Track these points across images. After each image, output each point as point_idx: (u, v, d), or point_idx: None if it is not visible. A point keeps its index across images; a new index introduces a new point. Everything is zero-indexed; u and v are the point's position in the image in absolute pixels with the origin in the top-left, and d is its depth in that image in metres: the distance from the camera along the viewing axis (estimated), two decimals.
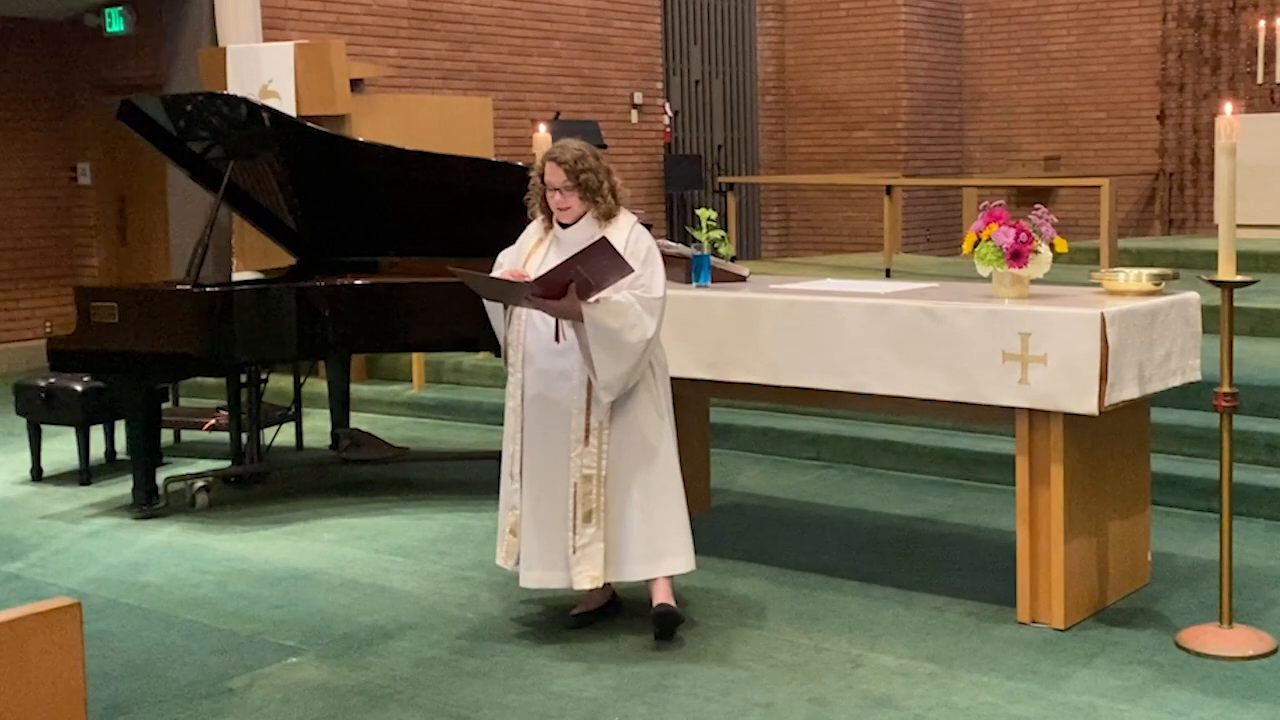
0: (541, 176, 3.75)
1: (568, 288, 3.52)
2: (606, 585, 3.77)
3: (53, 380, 5.85)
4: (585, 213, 3.73)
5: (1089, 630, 3.76)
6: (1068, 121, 11.74)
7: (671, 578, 3.79)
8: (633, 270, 3.57)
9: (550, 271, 3.55)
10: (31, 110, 9.32)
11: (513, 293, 3.65)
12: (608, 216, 3.72)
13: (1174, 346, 3.88)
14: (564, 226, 3.77)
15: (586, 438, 3.65)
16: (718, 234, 4.38)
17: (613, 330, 3.56)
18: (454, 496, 5.45)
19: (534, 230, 3.87)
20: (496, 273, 3.80)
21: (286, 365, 6.08)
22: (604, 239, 3.54)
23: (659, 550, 3.72)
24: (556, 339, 3.69)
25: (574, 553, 3.67)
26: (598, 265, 3.50)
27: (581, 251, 3.52)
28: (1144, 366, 3.75)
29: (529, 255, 3.79)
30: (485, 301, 3.89)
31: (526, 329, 3.75)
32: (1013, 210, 4.06)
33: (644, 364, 3.66)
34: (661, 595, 3.76)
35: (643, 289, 3.61)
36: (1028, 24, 11.90)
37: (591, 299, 3.54)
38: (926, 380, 3.88)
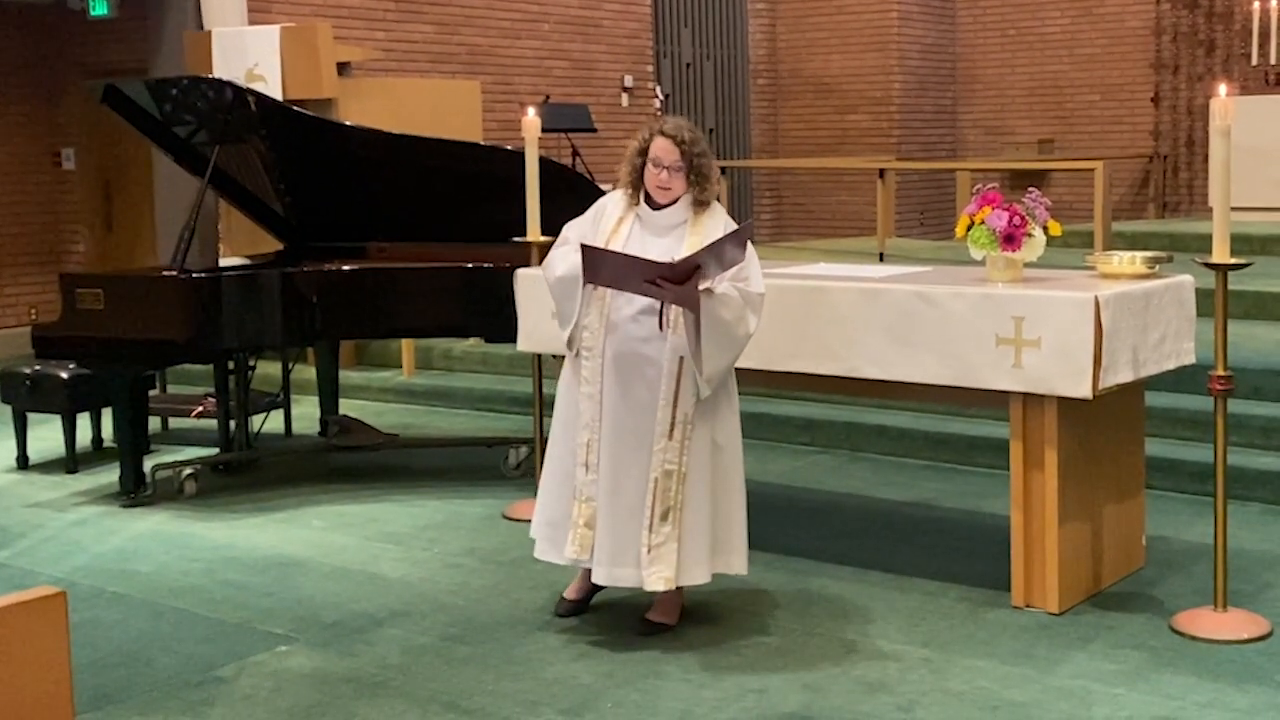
0: (643, 150, 3.56)
1: (694, 274, 3.36)
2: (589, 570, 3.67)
3: (38, 368, 5.81)
4: (682, 196, 3.57)
5: (1083, 614, 3.75)
6: (1061, 104, 11.71)
7: (682, 591, 3.72)
8: (742, 261, 3.46)
9: (691, 256, 3.38)
10: (14, 95, 9.23)
11: (638, 272, 3.43)
12: (704, 204, 3.57)
13: (1168, 330, 3.86)
14: (654, 208, 3.59)
15: (671, 431, 3.50)
16: None
17: (726, 323, 3.43)
18: (444, 483, 5.42)
19: (615, 206, 3.65)
20: (565, 248, 3.61)
21: (274, 352, 6.04)
22: (748, 227, 3.41)
23: (721, 551, 3.61)
24: (661, 327, 3.49)
25: (648, 552, 3.51)
26: (725, 255, 3.37)
27: (724, 239, 3.37)
28: (1138, 350, 3.73)
29: (609, 235, 3.58)
30: (553, 279, 3.63)
31: (612, 312, 3.53)
32: (1006, 193, 4.03)
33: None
34: (662, 610, 3.69)
35: (744, 282, 3.47)
36: (1021, 5, 11.86)
37: (702, 288, 3.39)
38: (920, 364, 3.85)
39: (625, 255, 3.50)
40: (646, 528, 3.52)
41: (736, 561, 3.67)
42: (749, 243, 3.54)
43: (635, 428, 3.53)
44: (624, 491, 3.55)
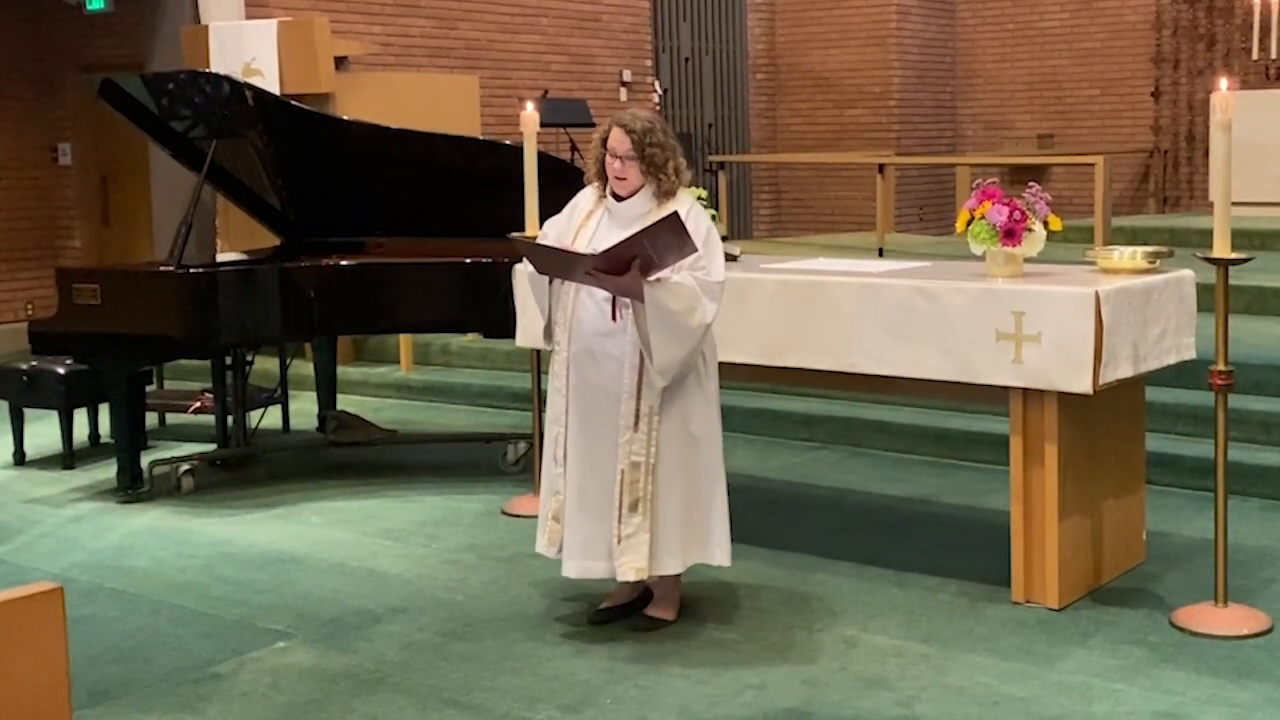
0: (604, 141, 3.59)
1: (632, 264, 3.36)
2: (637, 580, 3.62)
3: (34, 363, 5.79)
4: (642, 187, 3.58)
5: (1083, 610, 3.74)
6: (1061, 99, 11.70)
7: (679, 582, 3.70)
8: (696, 250, 3.43)
9: (616, 246, 3.39)
10: (11, 89, 9.21)
11: (573, 265, 3.46)
12: (667, 194, 3.58)
13: (1169, 325, 3.85)
14: (618, 199, 3.61)
15: (636, 424, 3.49)
16: (709, 213, 4.32)
17: (674, 313, 3.41)
18: (442, 479, 5.41)
19: (586, 200, 3.70)
20: (545, 243, 3.64)
21: (272, 347, 6.03)
22: (675, 214, 3.39)
23: (696, 541, 3.60)
24: (613, 318, 3.51)
25: (618, 543, 3.52)
26: (663, 242, 3.36)
27: (651, 226, 3.37)
28: (1138, 345, 3.72)
29: (579, 228, 3.63)
30: (527, 276, 3.69)
31: (576, 306, 3.57)
32: (1006, 188, 4.02)
33: (699, 350, 3.54)
34: (661, 606, 3.68)
35: (703, 271, 3.46)
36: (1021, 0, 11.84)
37: (651, 278, 3.39)
38: (920, 360, 3.84)
39: (556, 248, 3.54)
40: (616, 519, 3.52)
41: (718, 553, 3.65)
42: (711, 231, 3.54)
43: (600, 421, 3.54)
44: (590, 485, 3.56)
